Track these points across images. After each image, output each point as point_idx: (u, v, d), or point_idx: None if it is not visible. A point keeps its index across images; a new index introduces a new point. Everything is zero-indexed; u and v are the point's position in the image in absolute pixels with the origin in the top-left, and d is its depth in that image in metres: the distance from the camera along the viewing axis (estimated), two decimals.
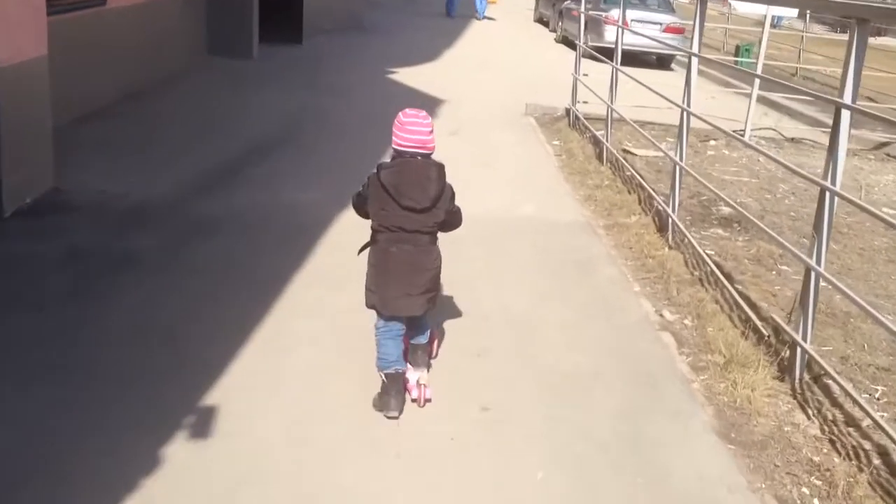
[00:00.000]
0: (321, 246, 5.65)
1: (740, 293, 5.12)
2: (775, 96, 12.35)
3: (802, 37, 18.41)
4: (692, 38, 5.96)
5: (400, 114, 3.66)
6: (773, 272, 5.86)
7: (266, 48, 13.99)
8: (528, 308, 4.94)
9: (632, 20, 17.03)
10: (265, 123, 9.00)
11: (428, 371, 3.97)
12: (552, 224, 6.53)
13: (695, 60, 5.89)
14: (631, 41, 14.23)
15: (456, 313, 4.79)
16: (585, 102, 10.19)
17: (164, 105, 9.42)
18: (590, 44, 17.40)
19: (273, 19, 14.62)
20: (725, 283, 5.12)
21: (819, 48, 19.08)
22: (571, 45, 18.90)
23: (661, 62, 17.54)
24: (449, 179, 3.73)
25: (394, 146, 3.62)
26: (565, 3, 20.20)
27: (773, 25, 22.83)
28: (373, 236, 3.71)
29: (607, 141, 8.25)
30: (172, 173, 6.91)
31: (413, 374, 3.84)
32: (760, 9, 13.28)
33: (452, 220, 3.78)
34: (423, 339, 3.93)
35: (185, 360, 4.07)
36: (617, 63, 8.25)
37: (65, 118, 8.00)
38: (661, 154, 8.50)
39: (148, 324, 4.38)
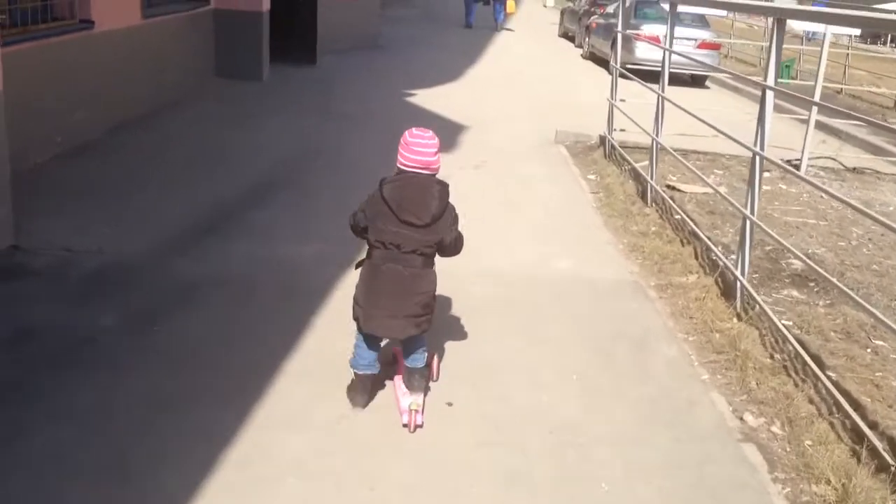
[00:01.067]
0: (318, 319, 4.66)
1: (837, 386, 4.08)
2: (828, 119, 11.26)
3: (848, 53, 17.24)
4: (767, 66, 4.94)
5: (406, 133, 3.62)
6: (868, 349, 4.80)
7: (278, 69, 13.11)
8: (572, 411, 3.92)
9: (664, 36, 16.02)
10: (267, 159, 8.07)
11: (425, 395, 3.78)
12: (594, 284, 5.51)
13: (770, 95, 4.87)
14: (657, 57, 13.30)
15: (480, 417, 3.79)
16: (622, 130, 9.18)
17: (157, 138, 8.50)
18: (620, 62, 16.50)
19: (286, 38, 13.76)
20: (817, 371, 4.08)
21: (860, 63, 17.95)
22: (600, 61, 17.95)
23: (695, 80, 16.46)
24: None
25: (398, 165, 3.60)
26: (592, 17, 19.21)
27: (807, 39, 21.77)
28: (368, 251, 3.67)
29: (651, 178, 7.23)
30: (155, 223, 5.98)
31: (406, 399, 3.70)
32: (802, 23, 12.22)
33: (454, 244, 3.70)
34: (419, 363, 3.75)
35: (136, 496, 3.11)
36: (663, 88, 7.22)
37: (39, 158, 7.12)
38: (710, 191, 7.47)
39: (92, 443, 3.42)
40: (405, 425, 3.62)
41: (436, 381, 4.03)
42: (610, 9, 18.35)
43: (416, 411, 3.63)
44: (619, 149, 8.73)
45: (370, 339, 3.72)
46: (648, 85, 7.69)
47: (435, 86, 13.45)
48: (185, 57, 11.03)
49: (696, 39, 16.26)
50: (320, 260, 5.50)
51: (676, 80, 15.94)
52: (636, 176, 8.00)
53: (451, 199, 3.68)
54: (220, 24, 12.16)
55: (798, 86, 14.44)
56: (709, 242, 5.77)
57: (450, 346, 4.46)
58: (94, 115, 8.20)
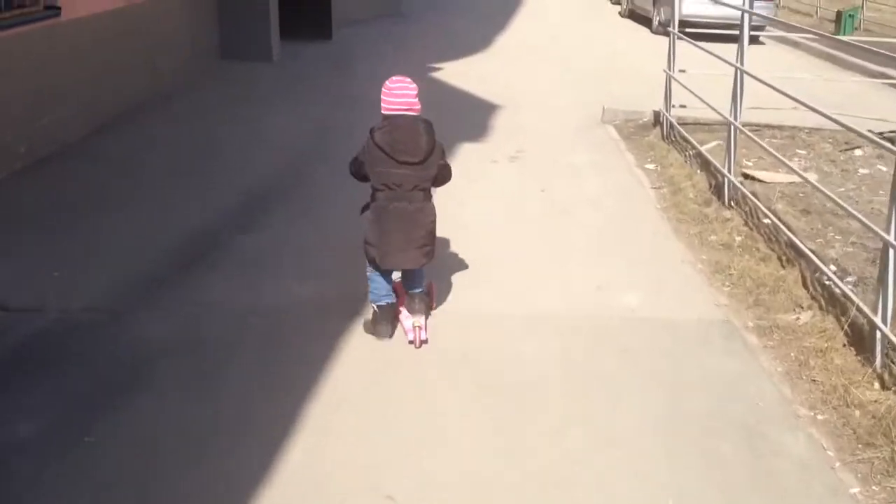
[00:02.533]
0: (312, 407, 3.42)
1: None
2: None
3: None
4: None
5: (387, 81, 3.84)
6: None
7: (290, 46, 11.78)
8: None
9: None
10: (268, 160, 6.80)
11: (426, 318, 3.97)
12: (674, 329, 4.19)
13: None
14: (708, 12, 11.77)
15: None
16: (683, 106, 7.75)
17: (141, 140, 7.26)
18: (664, 18, 14.91)
19: (299, 12, 12.41)
20: None
21: None
22: (640, 19, 16.35)
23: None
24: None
25: (383, 111, 3.81)
26: None
27: None
28: (373, 195, 3.88)
29: (729, 170, 5.83)
30: (117, 260, 4.76)
31: (409, 320, 3.93)
32: None
33: (443, 173, 3.95)
34: (419, 289, 4.00)
35: None
36: (742, 59, 5.78)
37: None
38: (796, 179, 6.06)
39: None
40: (411, 342, 3.89)
41: (434, 308, 4.20)
42: None
43: (420, 328, 3.89)
44: (680, 129, 7.31)
45: (384, 273, 3.95)
46: (722, 57, 6.21)
47: (462, 57, 12.04)
48: (184, 40, 9.76)
49: None
50: (320, 310, 4.24)
51: (726, 36, 14.41)
52: (705, 163, 6.60)
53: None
54: (224, 1, 10.85)
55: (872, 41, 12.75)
56: (820, 264, 4.40)
57: (496, 445, 3.20)
58: (67, 118, 6.99)
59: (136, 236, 5.14)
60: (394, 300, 4.00)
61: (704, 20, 12.57)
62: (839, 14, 14.52)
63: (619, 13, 17.87)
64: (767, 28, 14.13)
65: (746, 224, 5.43)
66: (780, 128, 7.89)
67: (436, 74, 10.75)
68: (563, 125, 8.31)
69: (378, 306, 3.98)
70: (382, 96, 3.82)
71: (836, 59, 12.94)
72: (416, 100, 3.83)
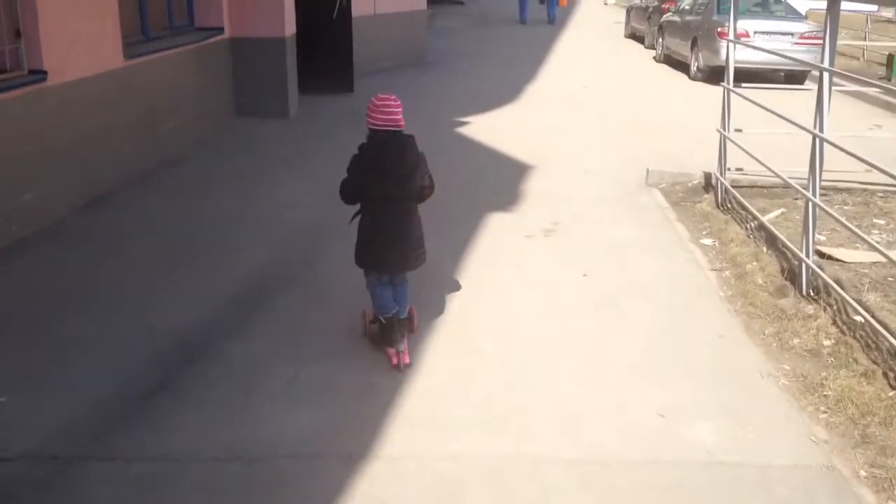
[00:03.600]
0: None
1: None
2: None
3: None
4: None
5: (374, 99, 4.00)
6: None
7: (309, 100, 11.08)
8: None
9: (755, 32, 13.54)
10: (274, 238, 5.98)
11: (407, 342, 4.13)
12: (764, 479, 3.25)
13: None
14: (753, 58, 10.88)
15: None
16: (740, 170, 6.85)
17: (133, 217, 6.45)
18: (702, 64, 14.05)
19: (318, 64, 11.73)
20: None
21: None
22: (676, 64, 15.51)
23: (791, 78, 13.89)
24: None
25: (370, 126, 3.99)
26: (666, 15, 16.72)
27: None
28: (363, 207, 4.11)
29: (807, 254, 4.89)
30: (81, 380, 3.93)
31: (391, 347, 4.09)
32: None
33: (428, 186, 4.15)
34: (403, 314, 4.20)
35: None
36: (821, 125, 4.85)
37: None
38: (881, 259, 5.11)
39: None
40: (395, 366, 4.03)
41: (412, 333, 4.30)
42: (685, 3, 15.87)
43: (403, 352, 4.06)
44: (738, 195, 6.40)
45: (382, 285, 4.14)
46: (802, 125, 5.28)
47: (490, 109, 11.25)
48: (193, 99, 9.05)
49: (793, 34, 13.67)
50: (314, 455, 3.36)
51: (768, 78, 13.49)
52: (771, 238, 5.67)
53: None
54: (238, 54, 10.18)
55: None
56: None
57: None
58: (53, 193, 6.24)
59: (107, 343, 4.31)
60: (397, 308, 4.16)
61: (748, 66, 11.80)
62: (891, 58, 13.54)
63: (654, 58, 17.02)
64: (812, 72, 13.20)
65: (835, 322, 4.48)
66: (849, 191, 6.96)
67: (462, 129, 9.96)
68: (602, 189, 7.42)
69: (386, 318, 4.12)
70: (370, 113, 3.98)
71: (874, 100, 12.03)
72: (401, 117, 4.01)
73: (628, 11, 21.55)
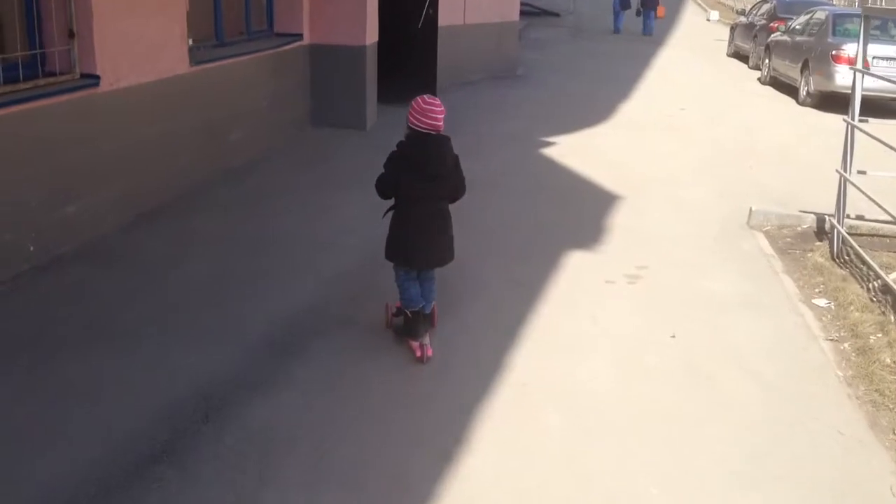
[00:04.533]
0: None
1: None
2: None
3: None
4: None
5: (419, 100, 4.03)
6: None
7: (389, 111, 10.47)
8: None
9: (873, 57, 12.31)
10: (322, 271, 5.35)
11: (430, 336, 4.21)
12: None
13: None
14: (871, 85, 9.73)
15: None
16: (861, 217, 5.92)
17: (183, 235, 5.92)
18: (813, 89, 12.90)
19: (401, 74, 11.16)
20: None
21: None
22: (784, 87, 14.34)
23: None
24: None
25: (412, 126, 4.02)
26: (774, 34, 15.54)
27: None
28: (398, 204, 4.17)
29: None
30: (63, 451, 3.38)
31: (415, 340, 4.18)
32: None
33: (460, 185, 4.25)
34: (429, 308, 4.33)
35: None
36: None
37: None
38: None
39: None
40: (419, 358, 4.13)
41: (434, 327, 4.35)
42: (796, 23, 14.68)
43: (427, 345, 4.15)
44: (857, 248, 5.47)
45: (411, 277, 4.25)
46: None
47: (580, 129, 10.45)
48: (266, 107, 8.57)
49: None
50: None
51: (885, 108, 12.23)
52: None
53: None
54: (316, 62, 9.68)
55: None
56: None
57: None
58: (99, 206, 5.79)
59: (115, 392, 3.76)
60: (423, 303, 4.25)
61: (866, 94, 10.66)
62: None
63: (759, 79, 15.86)
64: None
65: None
66: None
67: (547, 150, 9.19)
68: (698, 228, 6.56)
69: (412, 311, 4.22)
70: (413, 113, 4.01)
71: None
72: (442, 121, 4.03)
73: (732, 29, 20.33)
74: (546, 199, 7.25)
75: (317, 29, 9.57)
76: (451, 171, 4.13)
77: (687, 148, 9.65)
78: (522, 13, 17.82)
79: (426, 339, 4.18)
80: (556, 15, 26.18)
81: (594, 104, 12.24)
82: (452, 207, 4.32)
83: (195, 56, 7.06)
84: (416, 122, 4.00)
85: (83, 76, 5.65)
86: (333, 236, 6.01)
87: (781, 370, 4.22)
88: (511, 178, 7.95)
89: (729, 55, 19.94)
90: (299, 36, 9.36)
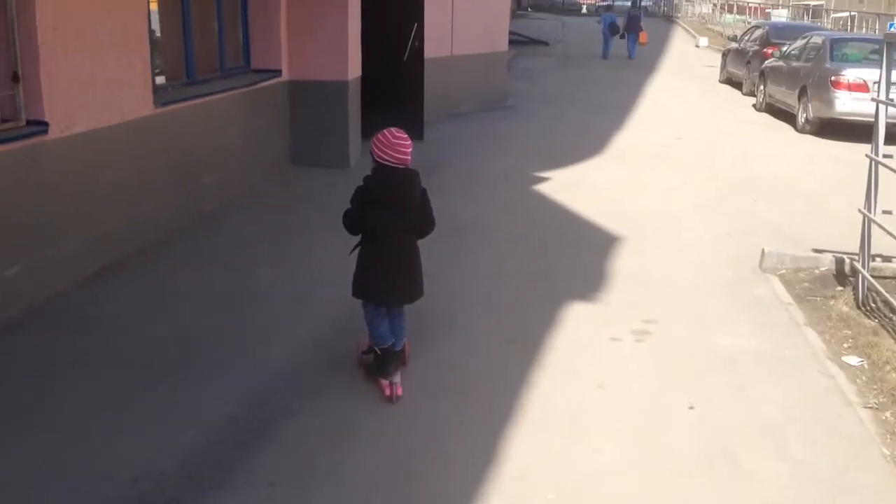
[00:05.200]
0: None
1: None
2: None
3: None
4: None
5: (388, 134, 3.91)
6: None
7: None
8: None
9: (873, 82, 11.87)
10: (296, 335, 4.76)
11: (400, 374, 4.05)
12: None
13: None
14: (868, 110, 9.28)
15: None
16: (888, 260, 5.39)
17: (146, 290, 5.35)
18: (812, 116, 12.45)
19: (386, 108, 10.65)
20: None
21: None
22: (781, 114, 13.89)
23: None
24: None
25: (378, 159, 3.91)
26: (769, 60, 15.14)
27: None
28: (364, 240, 4.05)
29: None
30: None
31: (385, 379, 4.04)
32: None
33: (428, 220, 4.11)
34: (399, 345, 4.17)
35: None
36: None
37: None
38: None
39: None
40: (388, 397, 3.96)
41: (405, 365, 4.18)
42: (791, 48, 14.27)
43: (398, 384, 4.00)
44: (886, 295, 4.92)
45: (380, 315, 4.08)
46: None
47: (573, 163, 9.94)
48: (243, 147, 8.03)
49: None
50: None
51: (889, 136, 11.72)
52: None
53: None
54: (296, 99, 9.17)
55: None
56: None
57: None
58: (52, 263, 5.21)
59: (37, 494, 3.17)
60: (393, 340, 4.12)
61: (862, 119, 10.23)
62: None
63: (754, 106, 15.43)
64: None
65: None
66: None
67: (541, 186, 8.67)
68: (707, 273, 6.01)
69: (381, 349, 4.10)
70: (380, 146, 3.91)
71: None
72: (409, 155, 3.94)
73: (724, 55, 19.97)
74: (541, 242, 6.71)
75: (296, 64, 9.06)
76: (419, 206, 4.01)
77: (686, 181, 9.14)
78: (511, 42, 17.41)
79: (396, 378, 4.05)
80: (545, 44, 25.88)
81: (587, 135, 11.75)
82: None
83: (161, 97, 6.53)
84: (382, 156, 3.89)
85: (30, 123, 5.10)
86: (310, 288, 5.44)
87: (815, 446, 3.65)
88: (503, 219, 7.41)
89: (721, 81, 19.56)
90: (278, 72, 8.85)
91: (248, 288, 5.47)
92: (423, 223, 4.09)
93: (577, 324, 5.01)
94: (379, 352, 4.11)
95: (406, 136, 3.95)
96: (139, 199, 6.17)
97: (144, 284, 5.49)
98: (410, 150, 3.94)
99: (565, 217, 7.55)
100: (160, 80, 7.01)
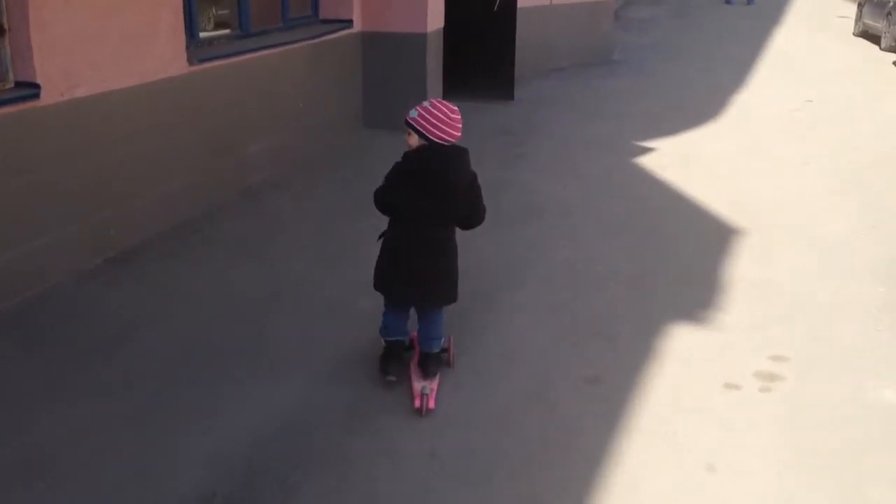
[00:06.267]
0: None
1: None
2: None
3: None
4: None
5: (442, 107, 3.24)
6: None
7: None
8: None
9: None
10: (321, 358, 3.72)
11: (437, 381, 3.42)
12: None
13: None
14: None
15: None
16: None
17: (148, 286, 4.42)
18: None
19: (473, 64, 9.44)
20: None
21: None
22: None
23: None
24: None
25: (426, 133, 3.23)
26: None
27: None
28: (391, 223, 3.44)
29: None
30: None
31: (418, 384, 3.40)
32: None
33: (475, 209, 3.40)
34: (435, 347, 3.52)
35: None
36: None
37: None
38: None
39: None
40: (417, 409, 3.29)
41: (451, 367, 3.56)
42: None
43: (428, 395, 3.33)
44: None
45: (396, 308, 3.51)
46: None
47: (683, 129, 8.50)
48: (304, 111, 7.01)
49: None
50: None
51: None
52: None
53: None
54: (369, 53, 8.07)
55: None
56: None
57: None
58: (45, 252, 4.34)
59: None
60: (406, 339, 3.57)
61: None
62: None
63: (895, 63, 13.35)
64: None
65: None
66: None
67: (643, 158, 7.32)
68: (853, 286, 4.63)
69: (386, 341, 3.55)
70: (431, 121, 3.21)
71: None
72: (461, 132, 3.28)
73: (860, 5, 17.58)
74: (638, 235, 5.44)
75: (370, 14, 7.95)
76: (465, 192, 3.32)
77: (821, 155, 7.59)
78: None
79: (430, 385, 3.39)
80: None
81: (702, 96, 10.21)
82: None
83: (198, 53, 5.54)
84: (435, 132, 3.22)
85: (18, 85, 4.19)
86: (345, 294, 4.38)
87: None
88: (594, 201, 6.15)
89: (856, 34, 17.23)
90: (349, 23, 7.76)
91: (271, 289, 4.46)
92: (469, 213, 3.40)
93: (680, 359, 3.78)
94: (384, 342, 3.57)
95: (457, 112, 3.29)
96: (163, 177, 5.23)
97: (152, 281, 4.55)
98: (460, 127, 3.29)
99: (671, 201, 6.21)
100: (205, 34, 6.05)
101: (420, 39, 7.95)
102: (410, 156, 3.31)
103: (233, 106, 5.93)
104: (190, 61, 5.39)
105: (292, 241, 5.20)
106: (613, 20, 13.29)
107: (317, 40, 7.21)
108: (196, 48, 5.58)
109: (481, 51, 9.44)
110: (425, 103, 3.29)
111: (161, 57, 5.11)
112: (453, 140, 3.27)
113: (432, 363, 3.49)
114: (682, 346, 3.90)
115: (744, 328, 4.09)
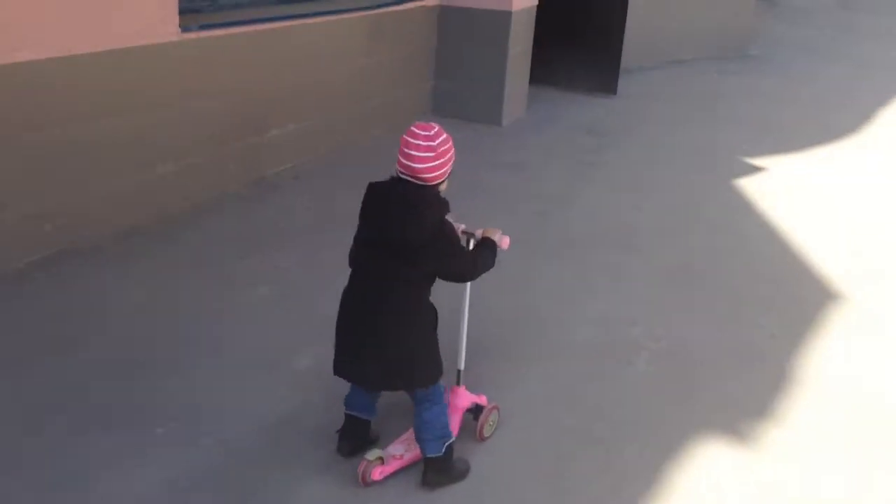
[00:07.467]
0: None
1: None
2: None
3: None
4: None
5: (413, 127, 2.42)
6: None
7: (547, 100, 7.75)
8: None
9: None
10: (222, 433, 2.79)
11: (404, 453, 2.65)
12: None
13: None
14: None
15: None
16: None
17: (87, 295, 3.59)
18: None
19: (575, 49, 8.16)
20: None
21: None
22: None
23: None
24: None
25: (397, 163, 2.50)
26: None
27: None
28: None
29: None
30: None
31: (374, 451, 2.60)
32: None
33: (444, 264, 2.47)
34: (429, 450, 2.57)
35: None
36: None
37: None
38: None
39: None
40: (360, 477, 2.57)
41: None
42: None
43: (373, 464, 2.57)
44: None
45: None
46: None
47: (811, 147, 6.95)
48: (348, 93, 6.06)
49: None
50: None
51: None
52: None
53: None
54: (445, 32, 6.99)
55: None
56: None
57: None
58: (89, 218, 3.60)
59: None
60: (366, 418, 2.71)
61: None
62: None
63: None
64: None
65: None
66: None
67: (746, 183, 5.89)
68: None
69: (345, 413, 2.71)
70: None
71: None
72: (421, 165, 2.38)
73: None
74: (707, 290, 4.14)
75: None
76: (409, 239, 2.37)
77: None
78: None
79: (384, 455, 2.61)
80: None
81: (842, 107, 8.49)
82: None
83: (191, 18, 4.64)
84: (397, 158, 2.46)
85: None
86: (294, 347, 3.38)
87: None
88: (667, 233, 4.86)
89: None
90: None
91: (209, 326, 3.50)
92: (439, 269, 2.48)
93: None
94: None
95: (427, 134, 2.39)
96: (147, 161, 4.39)
97: (86, 286, 3.73)
98: (423, 155, 2.37)
99: (767, 243, 4.83)
100: None
101: (505, 17, 6.77)
102: (368, 187, 2.51)
103: (249, 82, 5.02)
104: (182, 27, 4.49)
105: (267, 257, 4.22)
106: (754, 6, 11.48)
107: (378, 11, 6.20)
108: (188, 15, 4.69)
109: (583, 34, 8.12)
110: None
111: (144, 18, 4.24)
112: (408, 173, 2.39)
113: (430, 470, 2.61)
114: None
115: (851, 467, 2.80)
